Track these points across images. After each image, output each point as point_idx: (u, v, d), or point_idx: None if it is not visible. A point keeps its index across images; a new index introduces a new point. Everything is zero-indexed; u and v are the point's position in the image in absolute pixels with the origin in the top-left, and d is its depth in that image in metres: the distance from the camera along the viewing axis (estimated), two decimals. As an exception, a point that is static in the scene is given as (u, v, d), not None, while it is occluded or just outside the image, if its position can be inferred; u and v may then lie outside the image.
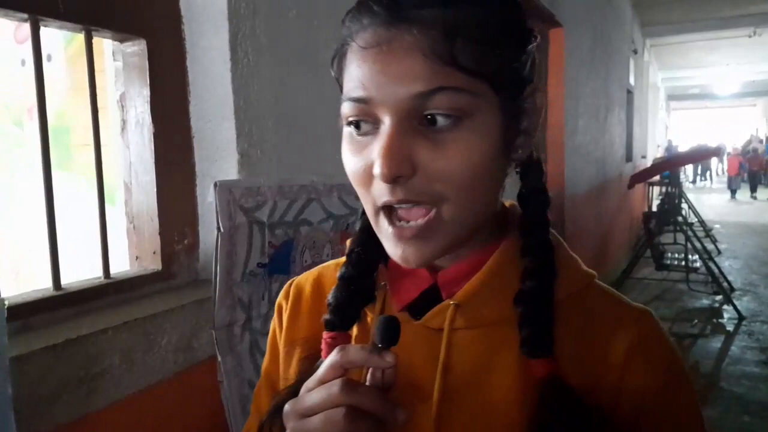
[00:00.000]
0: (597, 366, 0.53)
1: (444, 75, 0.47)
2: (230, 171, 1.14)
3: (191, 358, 1.04)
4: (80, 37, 2.00)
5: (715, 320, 4.89)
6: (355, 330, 0.60)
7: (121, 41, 1.11)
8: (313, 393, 0.47)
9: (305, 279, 0.68)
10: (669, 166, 6.32)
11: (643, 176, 6.46)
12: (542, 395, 0.51)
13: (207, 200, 1.16)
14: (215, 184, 0.98)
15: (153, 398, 0.99)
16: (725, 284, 5.53)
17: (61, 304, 0.96)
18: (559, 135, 3.91)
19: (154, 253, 1.13)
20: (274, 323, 0.68)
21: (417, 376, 0.54)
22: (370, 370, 0.47)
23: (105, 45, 1.34)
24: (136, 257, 1.15)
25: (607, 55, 5.74)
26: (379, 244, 0.56)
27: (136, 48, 1.09)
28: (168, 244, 1.13)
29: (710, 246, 7.40)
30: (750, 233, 9.30)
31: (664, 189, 6.77)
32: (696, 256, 5.78)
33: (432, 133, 0.48)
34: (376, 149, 0.48)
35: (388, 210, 0.51)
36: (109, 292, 1.03)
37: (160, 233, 1.12)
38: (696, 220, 7.99)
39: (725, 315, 5.00)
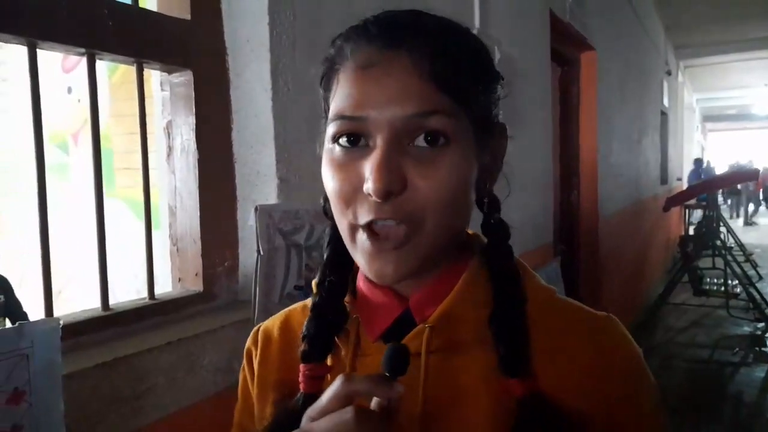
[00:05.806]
0: (565, 378, 0.55)
1: (436, 99, 0.50)
2: (270, 195, 1.17)
3: (231, 378, 1.06)
4: (122, 68, 2.08)
5: (757, 348, 4.72)
6: (329, 362, 0.60)
7: (169, 72, 1.16)
8: (323, 421, 0.46)
9: (272, 324, 0.68)
10: (705, 189, 6.18)
11: (678, 199, 6.33)
12: (523, 413, 0.52)
13: (248, 223, 1.19)
14: (256, 208, 1.01)
15: (193, 418, 1.01)
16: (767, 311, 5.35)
17: (109, 323, 0.99)
18: (592, 157, 3.88)
19: (196, 274, 1.16)
20: (243, 371, 0.69)
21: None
22: (374, 401, 0.47)
23: (150, 75, 1.41)
24: (179, 279, 1.19)
25: (640, 77, 5.70)
26: (346, 276, 0.60)
27: (183, 78, 1.14)
28: (210, 266, 1.17)
29: (751, 271, 7.15)
30: (792, 258, 8.98)
31: (701, 212, 6.61)
32: (736, 282, 5.61)
33: (420, 154, 0.51)
34: (369, 166, 0.50)
35: (368, 227, 0.52)
36: (153, 313, 1.07)
37: (202, 255, 1.15)
38: (735, 243, 7.77)
39: (768, 343, 4.83)
